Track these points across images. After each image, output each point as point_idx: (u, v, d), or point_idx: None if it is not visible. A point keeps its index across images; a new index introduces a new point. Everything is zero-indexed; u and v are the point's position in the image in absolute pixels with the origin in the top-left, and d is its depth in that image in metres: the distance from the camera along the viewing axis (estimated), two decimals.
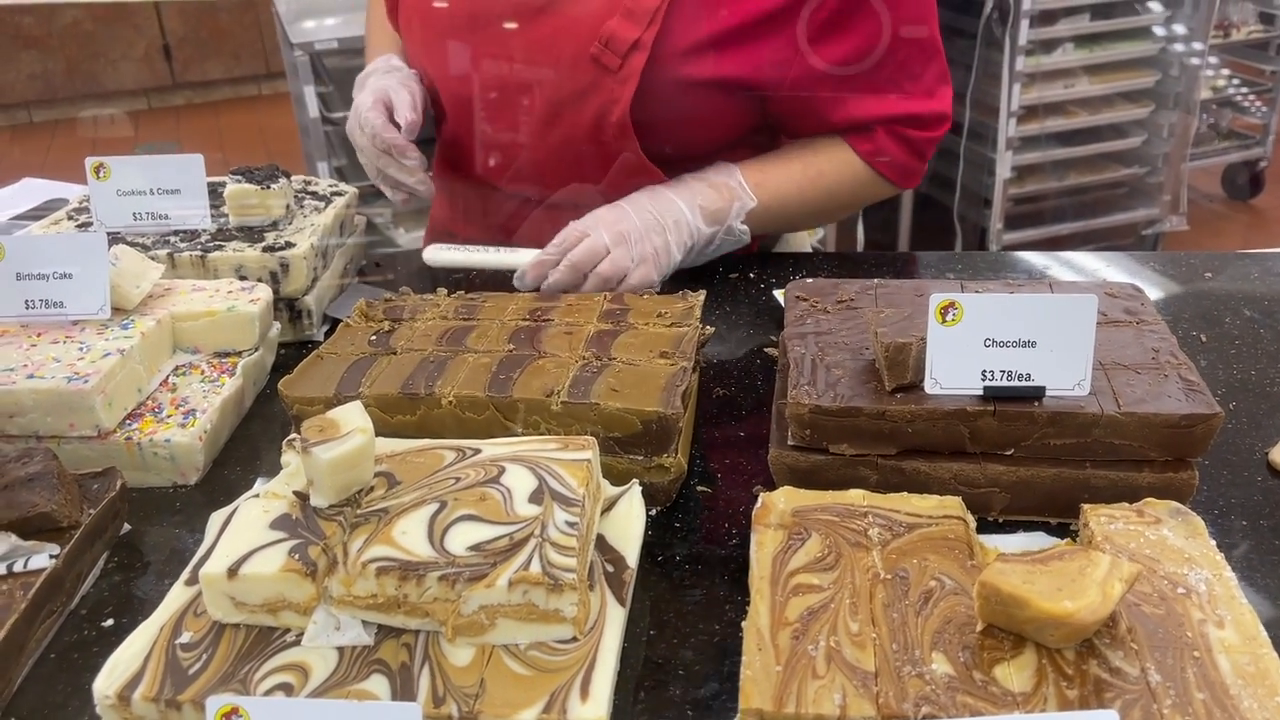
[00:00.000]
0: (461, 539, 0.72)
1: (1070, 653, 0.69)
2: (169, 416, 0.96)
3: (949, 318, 0.85)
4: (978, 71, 3.58)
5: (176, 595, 0.76)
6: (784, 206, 1.27)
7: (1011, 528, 0.88)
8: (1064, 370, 0.85)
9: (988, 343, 0.85)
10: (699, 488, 0.94)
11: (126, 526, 0.89)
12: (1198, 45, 3.67)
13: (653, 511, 0.91)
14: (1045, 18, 3.51)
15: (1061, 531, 0.87)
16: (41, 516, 0.80)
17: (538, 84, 1.21)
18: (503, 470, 0.78)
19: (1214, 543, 0.78)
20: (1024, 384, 0.86)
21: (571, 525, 0.73)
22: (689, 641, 0.77)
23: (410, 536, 0.72)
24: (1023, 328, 0.85)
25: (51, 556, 0.79)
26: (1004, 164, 3.66)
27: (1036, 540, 0.84)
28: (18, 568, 0.78)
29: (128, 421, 0.95)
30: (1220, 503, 0.90)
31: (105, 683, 0.69)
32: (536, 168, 1.27)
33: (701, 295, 1.07)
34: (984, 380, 0.86)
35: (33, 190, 1.51)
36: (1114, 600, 0.68)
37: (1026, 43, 3.48)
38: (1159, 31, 3.69)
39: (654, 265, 1.18)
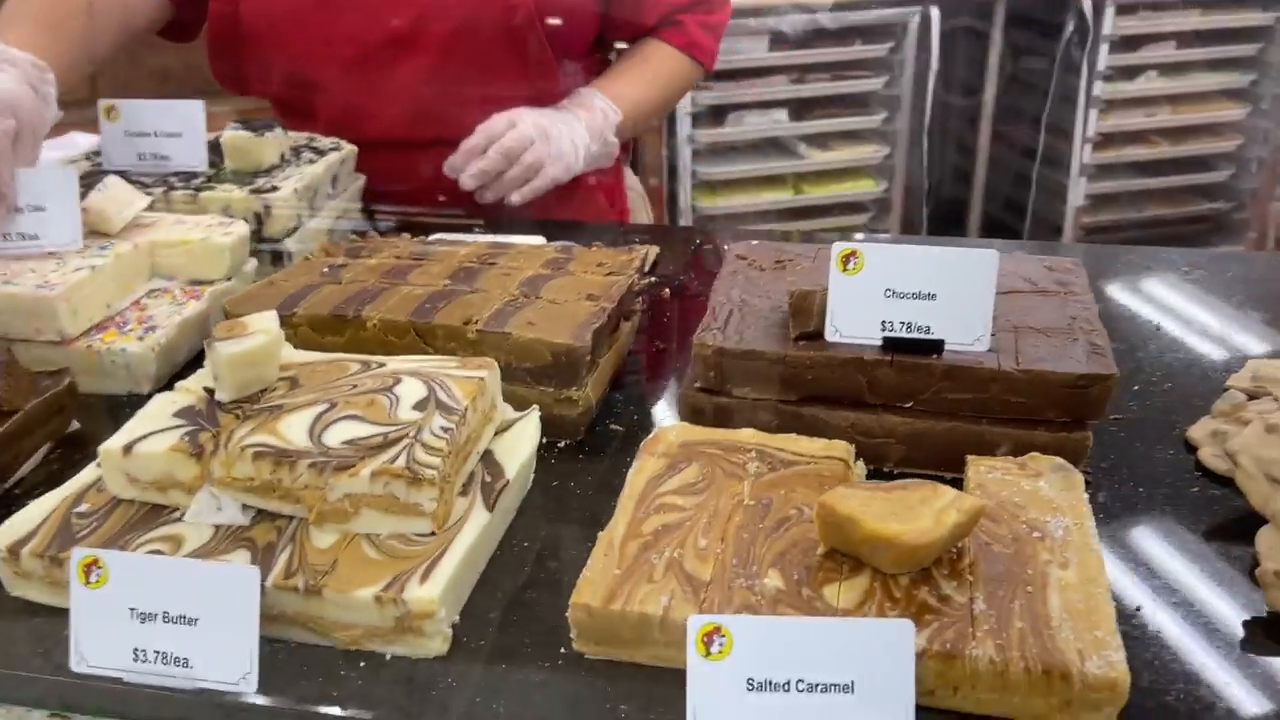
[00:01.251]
0: (339, 434, 0.76)
1: (905, 580, 0.70)
2: (131, 330, 1.03)
3: (850, 266, 0.87)
4: (1054, 95, 3.52)
5: (88, 472, 0.82)
6: (638, 110, 1.47)
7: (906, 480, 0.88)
8: (964, 325, 0.86)
9: (888, 293, 0.87)
10: (612, 426, 0.97)
11: (76, 424, 0.96)
12: None
13: (562, 444, 0.94)
14: (1128, 43, 3.43)
15: (956, 486, 0.87)
16: None
17: (432, 11, 1.33)
18: (398, 381, 0.83)
19: (1086, 497, 0.78)
20: (923, 336, 0.87)
21: (445, 430, 0.77)
22: (559, 556, 0.80)
23: (293, 430, 0.77)
24: (923, 280, 0.86)
25: None
26: (1077, 191, 3.59)
27: None
28: None
29: (93, 332, 1.02)
30: (1124, 469, 0.89)
31: (2, 535, 0.75)
32: (447, 101, 1.36)
33: (651, 251, 1.10)
34: (883, 331, 0.87)
35: (78, 144, 1.62)
36: (946, 528, 0.68)
37: (1106, 68, 3.42)
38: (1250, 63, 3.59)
39: (563, 166, 1.33)
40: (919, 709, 0.63)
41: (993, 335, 0.88)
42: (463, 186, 1.31)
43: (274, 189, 1.20)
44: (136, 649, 0.68)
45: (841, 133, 3.40)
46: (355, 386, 0.82)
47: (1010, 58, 3.56)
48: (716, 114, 3.26)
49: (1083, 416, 0.85)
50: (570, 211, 1.44)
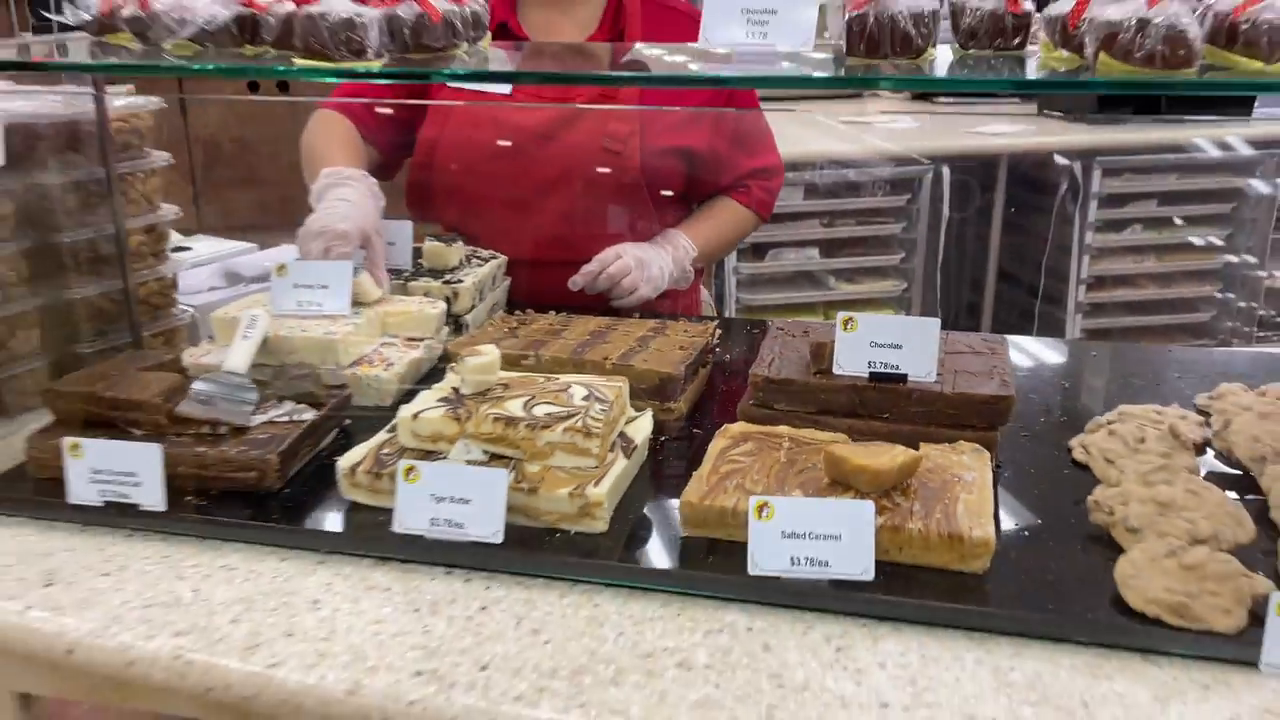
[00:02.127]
0: (541, 410, 1.29)
1: (876, 496, 1.20)
2: (377, 365, 1.56)
3: (848, 327, 1.39)
4: (1052, 242, 4.08)
5: (381, 434, 1.34)
6: (709, 247, 2.03)
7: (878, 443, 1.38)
8: (920, 364, 1.38)
9: (873, 344, 1.39)
10: (694, 430, 1.48)
11: (347, 420, 1.49)
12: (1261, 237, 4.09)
13: (663, 437, 1.46)
14: (1115, 200, 4.00)
15: None
16: (308, 394, 1.41)
17: (566, 172, 1.89)
18: (570, 386, 1.35)
19: (990, 465, 1.28)
20: (895, 371, 1.38)
21: (602, 410, 1.29)
22: (665, 490, 1.31)
23: (513, 407, 1.29)
24: (894, 336, 1.38)
25: (315, 416, 1.39)
26: (1074, 327, 4.11)
27: None
28: (296, 417, 1.38)
29: (354, 364, 1.56)
30: (1024, 459, 1.39)
31: (343, 462, 1.27)
32: (570, 228, 1.92)
33: (715, 325, 1.64)
34: (869, 367, 1.39)
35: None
36: (896, 464, 1.19)
37: (1096, 220, 3.98)
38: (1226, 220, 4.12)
39: (653, 286, 1.86)
40: (881, 563, 1.13)
41: (940, 374, 1.40)
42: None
43: (460, 281, 1.76)
44: (433, 518, 1.19)
45: (866, 269, 3.96)
46: (545, 389, 1.35)
47: (1013, 209, 4.13)
48: (758, 250, 3.83)
49: (993, 423, 1.36)
50: (664, 310, 1.99)
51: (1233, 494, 1.28)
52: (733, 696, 1.00)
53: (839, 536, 1.12)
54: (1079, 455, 1.38)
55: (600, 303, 1.87)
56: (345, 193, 1.70)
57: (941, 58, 1.21)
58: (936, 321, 1.38)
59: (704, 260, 2.04)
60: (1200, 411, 1.50)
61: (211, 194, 4.90)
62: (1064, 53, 1.08)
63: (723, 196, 2.08)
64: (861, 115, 4.28)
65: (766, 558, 1.12)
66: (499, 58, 1.33)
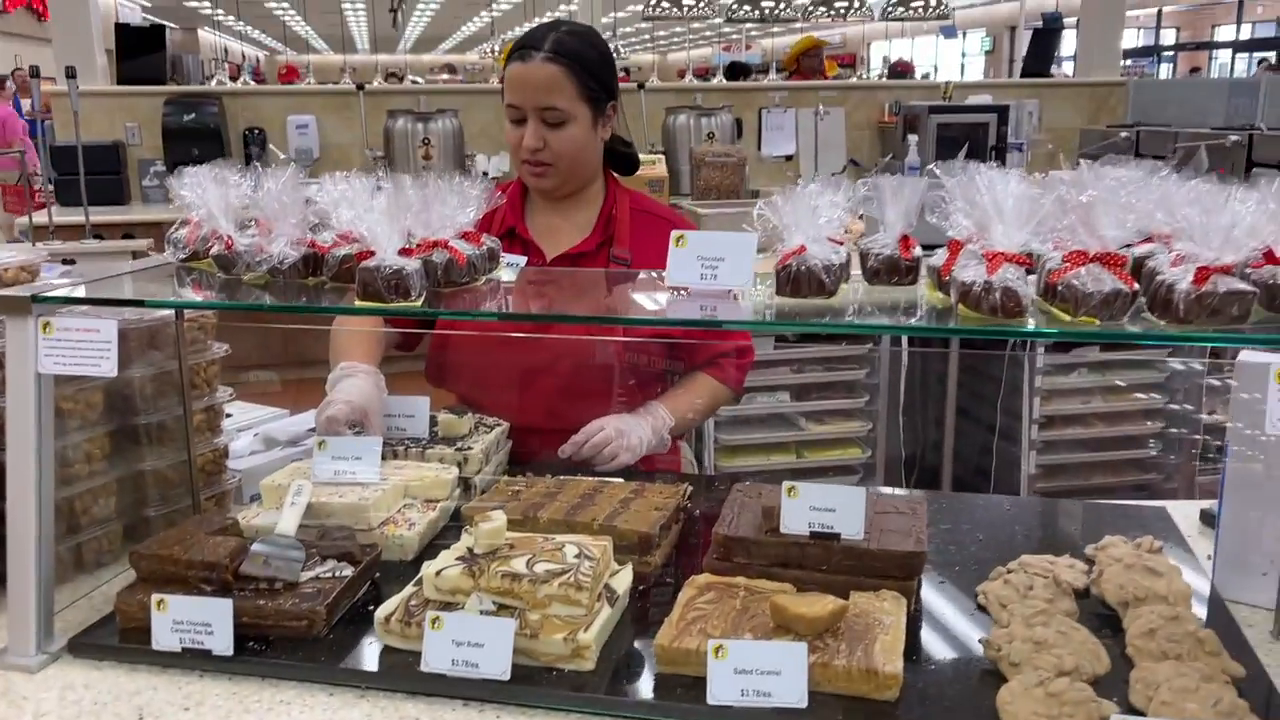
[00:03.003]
0: (541, 568, 1.59)
1: (811, 638, 1.49)
2: (400, 526, 1.86)
3: (792, 494, 1.70)
4: (1005, 384, 4.43)
5: (409, 589, 1.64)
6: (685, 419, 2.33)
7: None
8: (851, 523, 1.69)
9: (812, 508, 1.70)
10: (667, 580, 1.78)
11: (377, 574, 1.78)
12: (1197, 378, 4.44)
13: (642, 586, 1.75)
14: (1061, 347, 4.37)
15: None
16: (347, 553, 1.71)
17: (560, 355, 2.23)
18: (564, 546, 1.65)
19: (905, 611, 1.58)
20: (830, 530, 1.69)
21: (590, 566, 1.59)
22: (644, 635, 1.60)
23: (517, 565, 1.59)
24: (830, 501, 1.69)
25: (353, 572, 1.68)
26: (1029, 462, 4.43)
27: None
28: (338, 573, 1.67)
29: (382, 525, 1.86)
30: (939, 604, 1.69)
31: (380, 612, 1.56)
32: (562, 401, 2.25)
33: (687, 487, 1.95)
34: (809, 528, 1.70)
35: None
36: (827, 612, 1.49)
37: (1044, 365, 4.34)
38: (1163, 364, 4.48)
39: (632, 454, 2.17)
40: (814, 693, 1.42)
41: (867, 532, 1.70)
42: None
43: (470, 448, 2.07)
44: (453, 659, 1.47)
45: (833, 411, 4.29)
46: (544, 548, 1.65)
47: (969, 355, 4.49)
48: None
49: (910, 574, 1.66)
50: (648, 467, 2.30)
51: (1106, 631, 1.58)
52: None
53: (779, 672, 1.41)
54: (982, 600, 1.68)
55: (588, 466, 2.18)
56: (352, 383, 2.11)
57: (852, 292, 1.55)
58: (863, 491, 1.69)
59: (681, 429, 2.35)
60: (1088, 560, 1.80)
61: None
62: (940, 294, 1.42)
63: (699, 373, 2.41)
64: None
65: (722, 690, 1.41)
66: (502, 290, 1.67)
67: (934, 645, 1.58)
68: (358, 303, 1.49)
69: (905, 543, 1.69)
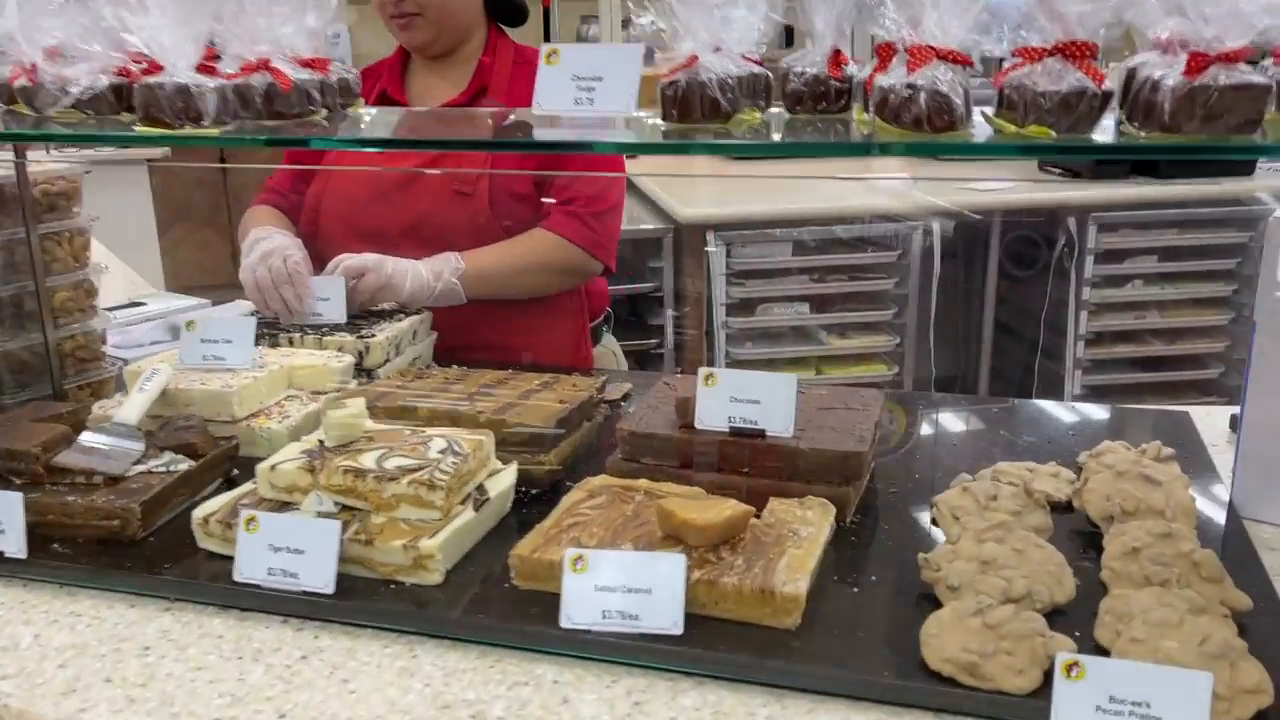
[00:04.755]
0: (393, 463, 1.32)
1: (703, 550, 1.21)
2: (274, 418, 1.61)
3: (709, 381, 1.41)
4: (1050, 297, 4.04)
5: (246, 486, 1.38)
6: (484, 269, 1.97)
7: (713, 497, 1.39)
8: (778, 418, 1.39)
9: (733, 399, 1.40)
10: (568, 484, 1.50)
11: (236, 471, 1.53)
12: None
13: (535, 491, 1.48)
14: (1112, 256, 3.96)
15: None
16: (189, 446, 1.46)
17: (424, 215, 1.99)
18: (431, 439, 1.39)
19: (830, 522, 1.29)
20: (752, 426, 1.40)
21: (454, 464, 1.32)
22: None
23: (366, 460, 1.33)
24: (753, 392, 1.40)
25: (189, 466, 1.43)
26: (1072, 383, 4.06)
27: None
28: (171, 467, 1.43)
29: (250, 418, 1.61)
30: (883, 514, 1.39)
31: (196, 513, 1.31)
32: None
33: (624, 386, 1.67)
34: (729, 422, 1.40)
35: (240, 309, 2.26)
36: (723, 518, 1.20)
37: (1093, 276, 3.94)
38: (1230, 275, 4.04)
39: (393, 292, 1.91)
40: (698, 617, 1.14)
41: (800, 430, 1.41)
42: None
43: (372, 336, 1.81)
44: (269, 568, 1.22)
45: (857, 324, 3.96)
46: (405, 441, 1.38)
47: (1009, 263, 4.11)
48: (747, 306, 3.85)
49: (846, 479, 1.37)
50: (543, 355, 2.03)
51: (1089, 553, 1.27)
52: None
53: (650, 590, 1.13)
54: (935, 513, 1.37)
55: (512, 357, 1.91)
56: (275, 237, 1.92)
57: (775, 119, 1.24)
58: (794, 378, 1.39)
59: (485, 282, 1.98)
60: (1080, 469, 1.48)
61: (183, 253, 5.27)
62: (868, 116, 1.10)
63: (535, 228, 2.06)
64: (851, 172, 4.30)
65: (578, 610, 1.14)
66: (351, 124, 1.38)
67: (866, 564, 1.29)
68: (138, 129, 1.22)
69: (843, 441, 1.38)
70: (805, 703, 1.06)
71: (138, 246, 5.00)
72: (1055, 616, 1.14)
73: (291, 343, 1.84)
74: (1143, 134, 0.93)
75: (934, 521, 1.37)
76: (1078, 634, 1.12)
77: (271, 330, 1.86)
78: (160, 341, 2.07)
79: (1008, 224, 4.01)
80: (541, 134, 1.31)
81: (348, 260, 1.91)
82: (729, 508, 1.22)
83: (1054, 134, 0.94)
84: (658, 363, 3.96)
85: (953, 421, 1.76)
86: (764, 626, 1.14)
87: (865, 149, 1.15)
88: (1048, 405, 1.85)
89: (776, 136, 1.15)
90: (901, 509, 1.43)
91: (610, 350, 2.33)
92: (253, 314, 1.96)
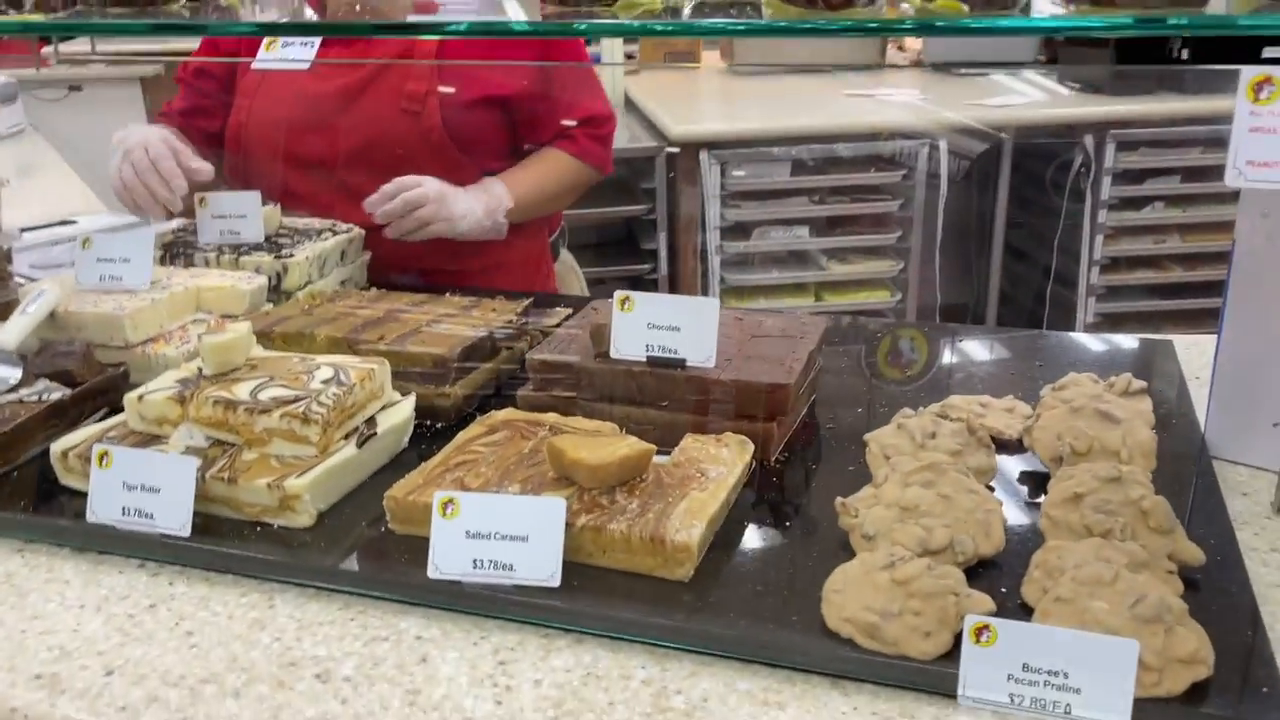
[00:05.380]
0: (269, 394, 1.20)
1: (596, 492, 1.09)
2: (174, 343, 1.50)
3: (625, 306, 1.28)
4: (1064, 220, 3.84)
5: (119, 417, 1.27)
6: (529, 198, 1.87)
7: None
8: (699, 348, 1.26)
9: (650, 326, 1.27)
10: (478, 414, 1.38)
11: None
12: None
13: (439, 425, 1.36)
14: (1131, 176, 3.75)
15: None
16: (66, 373, 1.35)
17: (369, 139, 1.83)
18: (318, 368, 1.27)
19: (750, 460, 1.16)
20: (671, 355, 1.26)
21: (335, 395, 1.20)
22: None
23: (240, 390, 1.21)
24: (672, 318, 1.26)
25: (62, 395, 1.32)
26: (1086, 310, 3.88)
27: None
28: (44, 397, 1.32)
29: (148, 342, 1.49)
30: (812, 454, 1.26)
31: (56, 445, 1.21)
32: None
33: (527, 302, 1.54)
34: (647, 351, 1.27)
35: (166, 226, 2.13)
36: (616, 458, 1.08)
37: (1110, 198, 3.74)
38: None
39: (449, 226, 1.75)
40: (584, 566, 1.02)
41: (727, 360, 1.27)
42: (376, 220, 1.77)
43: (291, 256, 1.68)
44: (123, 506, 1.11)
45: (859, 248, 3.79)
46: (290, 370, 1.26)
47: (1021, 183, 3.91)
48: (743, 229, 3.69)
49: (773, 413, 1.23)
50: (504, 279, 1.89)
51: (1035, 497, 1.14)
52: (352, 714, 0.91)
53: (526, 538, 1.01)
54: (867, 452, 1.24)
55: (467, 282, 1.78)
56: (134, 133, 1.76)
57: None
58: (715, 302, 1.25)
59: (523, 213, 1.88)
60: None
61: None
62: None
63: (547, 147, 1.94)
64: (857, 86, 4.11)
65: (447, 560, 1.02)
66: (228, 14, 1.24)
67: (784, 510, 1.16)
68: None
69: (769, 372, 1.25)
70: (688, 664, 0.95)
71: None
72: (982, 570, 1.02)
73: (208, 262, 1.72)
74: (1071, 7, 0.77)
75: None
76: (1004, 590, 0.99)
77: (186, 250, 1.74)
78: None
79: (1021, 142, 3.80)
80: (413, 18, 1.17)
81: (409, 193, 1.73)
82: (625, 445, 1.10)
83: (965, 8, 0.78)
84: (651, 290, 3.82)
85: (915, 350, 1.62)
86: (655, 579, 1.03)
87: (742, 29, 0.99)
88: (1016, 333, 1.70)
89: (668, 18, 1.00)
90: (837, 447, 1.29)
91: (570, 267, 2.20)
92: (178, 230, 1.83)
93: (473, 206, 1.78)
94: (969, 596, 0.93)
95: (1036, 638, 0.86)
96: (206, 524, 1.13)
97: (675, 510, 1.05)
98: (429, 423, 1.35)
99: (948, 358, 1.57)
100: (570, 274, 2.19)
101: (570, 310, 1.66)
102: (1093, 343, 1.65)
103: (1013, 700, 0.86)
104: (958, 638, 0.91)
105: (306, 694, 0.93)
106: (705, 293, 3.71)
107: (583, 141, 1.93)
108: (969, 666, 0.87)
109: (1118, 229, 3.79)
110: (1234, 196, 3.78)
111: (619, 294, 1.28)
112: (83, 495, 1.19)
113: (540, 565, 1.00)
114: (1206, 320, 3.98)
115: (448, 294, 1.61)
